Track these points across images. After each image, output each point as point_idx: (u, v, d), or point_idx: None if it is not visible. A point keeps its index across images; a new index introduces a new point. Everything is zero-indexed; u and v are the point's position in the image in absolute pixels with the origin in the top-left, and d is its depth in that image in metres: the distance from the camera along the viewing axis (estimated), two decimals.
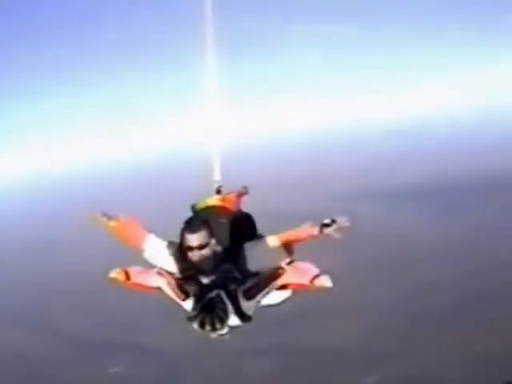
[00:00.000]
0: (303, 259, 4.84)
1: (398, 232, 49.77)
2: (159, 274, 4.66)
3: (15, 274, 53.62)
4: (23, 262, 57.66)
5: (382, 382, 28.81)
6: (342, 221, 4.80)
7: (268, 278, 4.63)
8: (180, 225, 4.85)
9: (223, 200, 5.79)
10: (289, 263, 4.76)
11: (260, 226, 5.44)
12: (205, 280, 4.51)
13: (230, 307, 4.45)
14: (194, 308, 4.44)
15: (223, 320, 4.40)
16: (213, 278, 4.52)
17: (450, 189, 62.19)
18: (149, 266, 5.02)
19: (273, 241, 4.99)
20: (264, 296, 4.66)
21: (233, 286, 4.52)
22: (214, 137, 6.20)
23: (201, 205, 5.71)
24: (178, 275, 4.77)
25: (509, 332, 29.65)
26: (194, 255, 4.63)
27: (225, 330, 4.51)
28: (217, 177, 6.15)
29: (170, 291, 4.64)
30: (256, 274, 4.71)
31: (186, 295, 4.55)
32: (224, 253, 4.80)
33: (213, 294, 4.39)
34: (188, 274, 4.64)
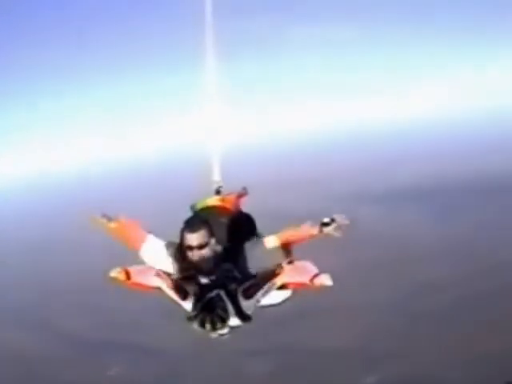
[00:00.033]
0: (303, 259, 4.84)
1: (398, 232, 49.77)
2: (159, 274, 4.66)
3: (15, 274, 53.60)
4: (23, 262, 57.65)
5: (382, 382, 28.82)
6: (341, 219, 4.81)
7: (267, 277, 4.63)
8: (180, 225, 4.86)
9: (223, 200, 5.80)
10: (288, 263, 4.76)
11: (260, 227, 5.44)
12: (205, 280, 4.51)
13: (230, 307, 4.46)
14: (194, 308, 4.44)
15: (224, 319, 4.41)
16: (213, 277, 4.52)
17: (450, 189, 62.18)
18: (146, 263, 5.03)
19: (272, 240, 4.99)
20: (263, 295, 4.65)
21: (233, 286, 4.52)
22: (213, 137, 6.21)
23: (200, 205, 5.72)
24: (178, 275, 4.77)
25: (509, 332, 29.65)
26: (194, 255, 4.63)
27: (225, 330, 4.52)
28: (216, 177, 6.16)
29: (169, 291, 4.65)
30: (256, 274, 4.72)
31: (186, 295, 4.55)
32: (224, 252, 4.80)
33: (213, 293, 4.40)
34: (188, 274, 4.64)
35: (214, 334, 4.51)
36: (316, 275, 4.47)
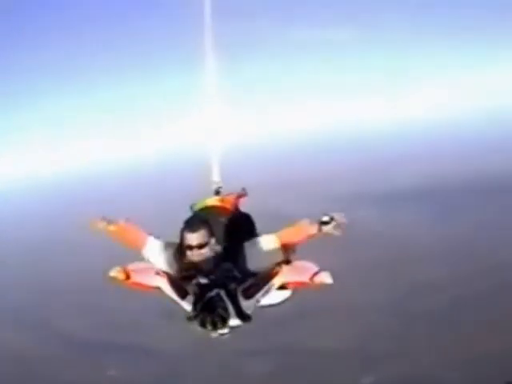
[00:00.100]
0: (303, 259, 4.84)
1: (397, 232, 49.75)
2: (158, 273, 4.67)
3: (15, 274, 53.59)
4: (23, 262, 57.64)
5: (381, 382, 28.80)
6: (340, 217, 4.81)
7: (266, 277, 4.64)
8: (180, 225, 4.87)
9: (222, 201, 5.81)
10: (287, 263, 4.76)
11: (260, 227, 5.45)
12: (204, 279, 4.51)
13: (230, 306, 4.46)
14: (194, 308, 4.45)
15: (225, 319, 4.41)
16: (212, 277, 4.52)
17: (450, 189, 62.15)
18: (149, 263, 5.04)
19: (272, 240, 4.99)
20: (263, 295, 4.66)
21: (232, 286, 4.53)
22: (213, 138, 6.23)
23: (200, 205, 5.73)
24: (178, 275, 4.78)
25: (509, 332, 29.64)
26: (194, 254, 4.64)
27: (225, 330, 4.52)
28: (216, 178, 6.17)
29: (169, 291, 4.65)
30: (255, 273, 4.73)
31: (186, 294, 4.56)
32: (223, 252, 4.81)
33: (213, 293, 4.41)
34: (188, 274, 4.65)
35: (214, 334, 4.52)
36: (316, 273, 4.47)
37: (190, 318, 4.48)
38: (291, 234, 4.98)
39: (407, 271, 40.06)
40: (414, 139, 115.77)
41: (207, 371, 31.56)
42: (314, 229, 4.83)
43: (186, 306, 4.60)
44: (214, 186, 6.14)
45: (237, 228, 5.19)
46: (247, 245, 4.94)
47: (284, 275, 4.61)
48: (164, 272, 4.73)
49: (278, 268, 4.64)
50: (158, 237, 5.24)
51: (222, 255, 4.77)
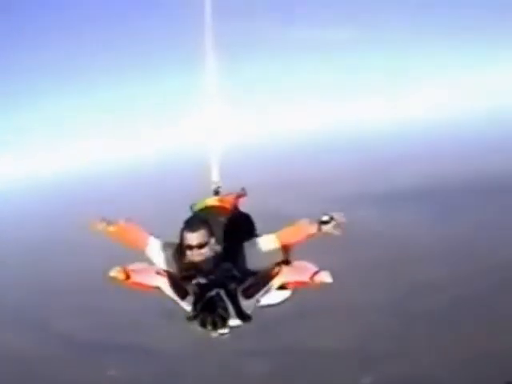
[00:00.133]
0: (303, 259, 4.84)
1: (398, 232, 49.75)
2: (158, 273, 4.67)
3: (15, 274, 53.59)
4: (23, 262, 57.64)
5: (381, 382, 28.79)
6: (339, 217, 4.81)
7: (266, 277, 4.64)
8: (180, 225, 4.87)
9: (221, 201, 5.81)
10: (287, 263, 4.77)
11: (259, 227, 5.45)
12: (204, 279, 4.51)
13: (230, 306, 4.46)
14: (194, 307, 4.45)
15: (225, 319, 4.42)
16: (212, 277, 4.51)
17: (450, 189, 62.16)
18: (150, 262, 5.04)
19: (272, 240, 4.99)
20: (263, 295, 4.66)
21: (232, 285, 4.53)
22: (213, 138, 6.23)
23: (200, 205, 5.73)
24: (178, 275, 4.78)
25: (509, 332, 29.63)
26: (194, 254, 4.64)
27: (225, 330, 4.52)
28: (215, 178, 6.17)
29: (169, 291, 4.65)
30: (255, 273, 4.73)
31: (186, 294, 4.56)
32: (223, 252, 4.81)
33: (213, 292, 4.40)
34: (187, 274, 4.65)
35: (214, 334, 4.52)
36: (316, 273, 4.47)
37: (189, 318, 4.48)
38: (291, 234, 4.97)
39: (407, 271, 40.05)
40: (414, 139, 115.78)
41: (207, 371, 31.56)
42: (313, 228, 4.82)
43: (186, 306, 4.59)
44: (214, 186, 6.15)
45: (236, 228, 5.20)
46: (247, 244, 4.94)
47: (284, 275, 4.61)
48: (165, 271, 4.73)
49: (277, 268, 4.64)
50: (158, 237, 5.23)
51: (221, 255, 4.76)
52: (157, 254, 5.08)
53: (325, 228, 4.78)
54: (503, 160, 70.27)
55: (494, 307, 32.72)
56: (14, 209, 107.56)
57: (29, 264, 56.37)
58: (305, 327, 34.16)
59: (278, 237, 4.97)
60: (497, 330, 30.14)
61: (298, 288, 4.81)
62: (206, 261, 4.62)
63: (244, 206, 5.97)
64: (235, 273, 4.65)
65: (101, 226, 5.26)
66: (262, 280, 4.64)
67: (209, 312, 4.36)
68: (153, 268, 4.78)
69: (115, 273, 4.56)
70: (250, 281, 4.62)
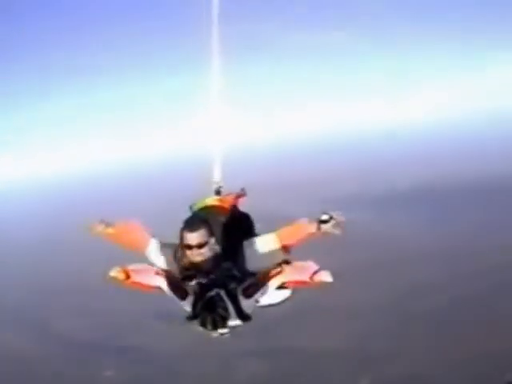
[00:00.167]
0: (303, 259, 4.83)
1: (398, 232, 49.76)
2: (158, 273, 4.66)
3: (15, 274, 53.61)
4: (23, 262, 57.65)
5: (381, 382, 28.79)
6: (338, 216, 4.80)
7: (266, 276, 4.63)
8: (180, 225, 4.87)
9: (221, 200, 5.81)
10: (286, 262, 4.76)
11: (259, 227, 5.45)
12: (204, 279, 4.50)
13: (230, 306, 4.46)
14: (194, 307, 4.45)
15: (225, 319, 4.42)
16: (212, 276, 4.51)
17: (450, 189, 62.22)
18: (150, 263, 5.03)
19: (272, 239, 4.99)
20: (263, 294, 4.66)
21: (232, 285, 4.52)
22: (214, 138, 6.23)
23: (199, 205, 5.72)
24: (178, 275, 4.77)
25: (509, 332, 29.63)
26: (194, 254, 4.63)
27: (226, 329, 4.52)
28: (216, 178, 6.17)
29: (169, 290, 4.65)
30: (255, 273, 4.73)
31: (186, 294, 4.55)
32: (223, 252, 4.81)
33: (213, 292, 4.40)
34: (188, 274, 4.64)
35: (214, 334, 4.52)
36: (316, 272, 4.47)
37: (190, 318, 4.48)
38: (290, 233, 4.97)
39: (407, 271, 40.06)
40: (413, 140, 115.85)
41: (207, 371, 31.55)
42: (312, 227, 4.82)
43: (186, 306, 4.59)
44: (215, 186, 6.15)
45: (236, 228, 5.19)
46: (246, 244, 4.94)
47: (284, 274, 4.61)
48: (164, 271, 4.73)
49: (278, 267, 4.64)
50: (158, 237, 5.23)
51: (221, 255, 4.76)
52: (156, 254, 5.08)
53: (324, 227, 4.78)
54: (503, 160, 70.34)
55: (493, 307, 32.72)
56: (14, 209, 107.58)
57: (29, 264, 56.39)
58: (305, 327, 34.16)
59: (277, 236, 4.97)
60: (497, 330, 30.13)
61: (297, 287, 4.81)
62: (206, 260, 4.62)
63: (244, 206, 5.97)
64: (235, 272, 4.64)
65: (100, 228, 5.26)
66: (261, 279, 4.64)
67: (209, 312, 4.36)
68: (153, 268, 4.77)
69: (115, 273, 4.55)
70: (249, 280, 4.62)
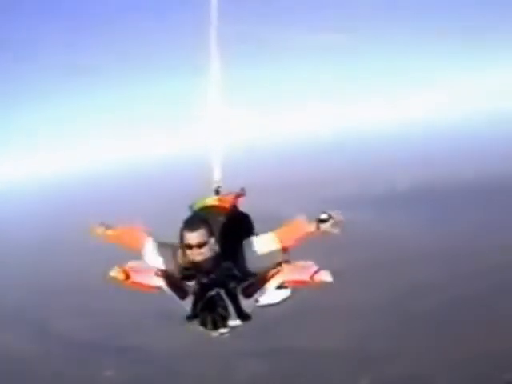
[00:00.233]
0: (302, 259, 4.83)
1: (398, 232, 49.79)
2: (158, 273, 4.66)
3: (15, 274, 53.64)
4: (23, 262, 57.67)
5: (381, 382, 28.80)
6: (337, 215, 4.80)
7: (266, 276, 4.63)
8: (180, 225, 4.87)
9: (221, 200, 5.80)
10: (286, 262, 4.76)
11: (258, 227, 5.45)
12: (204, 279, 4.50)
13: (230, 305, 4.46)
14: (194, 307, 4.45)
15: (225, 318, 4.41)
16: (212, 276, 4.50)
17: (450, 189, 62.26)
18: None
19: (271, 239, 4.98)
20: (263, 294, 4.66)
21: (232, 285, 4.52)
22: (214, 138, 6.23)
23: (199, 204, 5.72)
24: (177, 275, 4.77)
25: (509, 332, 29.65)
26: (194, 254, 4.63)
27: (226, 329, 4.52)
28: (216, 177, 6.17)
29: (169, 290, 4.65)
30: (255, 272, 4.72)
31: (186, 294, 4.55)
32: (223, 251, 4.81)
33: (213, 292, 4.40)
34: (187, 273, 4.64)
35: (214, 334, 4.52)
36: (316, 272, 4.47)
37: (190, 318, 4.48)
38: (289, 232, 4.96)
39: (407, 271, 40.08)
40: (413, 140, 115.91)
41: (207, 371, 31.57)
42: (311, 226, 4.82)
43: (186, 305, 4.59)
44: (214, 186, 6.15)
45: (236, 227, 5.19)
46: (246, 244, 4.94)
47: (284, 274, 4.61)
48: (164, 271, 4.72)
49: (278, 267, 4.64)
50: (158, 237, 5.23)
51: (221, 254, 4.76)
52: (156, 254, 5.08)
53: (323, 226, 4.77)
54: (503, 160, 70.39)
55: (493, 307, 32.74)
56: (14, 209, 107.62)
57: (29, 264, 56.41)
58: (305, 327, 34.18)
59: (277, 235, 4.97)
60: (497, 330, 30.15)
61: (297, 287, 4.81)
62: (206, 260, 4.61)
63: (244, 206, 5.97)
64: (235, 272, 4.64)
65: (100, 230, 5.30)
66: (261, 279, 4.63)
67: (209, 311, 4.36)
68: (152, 268, 4.77)
69: (115, 273, 4.54)
70: (249, 280, 4.62)
